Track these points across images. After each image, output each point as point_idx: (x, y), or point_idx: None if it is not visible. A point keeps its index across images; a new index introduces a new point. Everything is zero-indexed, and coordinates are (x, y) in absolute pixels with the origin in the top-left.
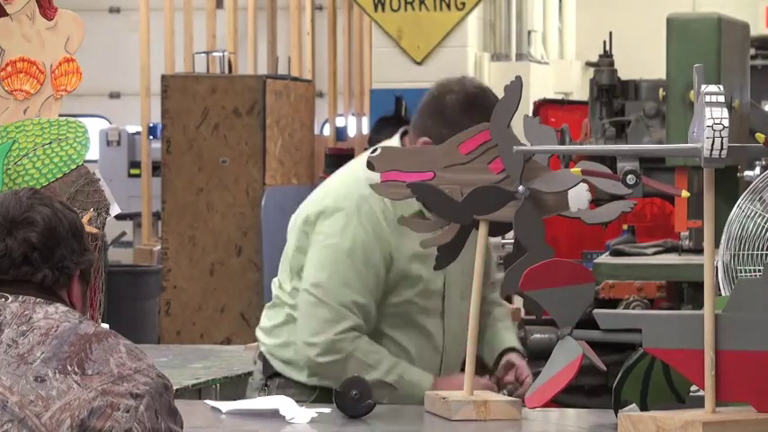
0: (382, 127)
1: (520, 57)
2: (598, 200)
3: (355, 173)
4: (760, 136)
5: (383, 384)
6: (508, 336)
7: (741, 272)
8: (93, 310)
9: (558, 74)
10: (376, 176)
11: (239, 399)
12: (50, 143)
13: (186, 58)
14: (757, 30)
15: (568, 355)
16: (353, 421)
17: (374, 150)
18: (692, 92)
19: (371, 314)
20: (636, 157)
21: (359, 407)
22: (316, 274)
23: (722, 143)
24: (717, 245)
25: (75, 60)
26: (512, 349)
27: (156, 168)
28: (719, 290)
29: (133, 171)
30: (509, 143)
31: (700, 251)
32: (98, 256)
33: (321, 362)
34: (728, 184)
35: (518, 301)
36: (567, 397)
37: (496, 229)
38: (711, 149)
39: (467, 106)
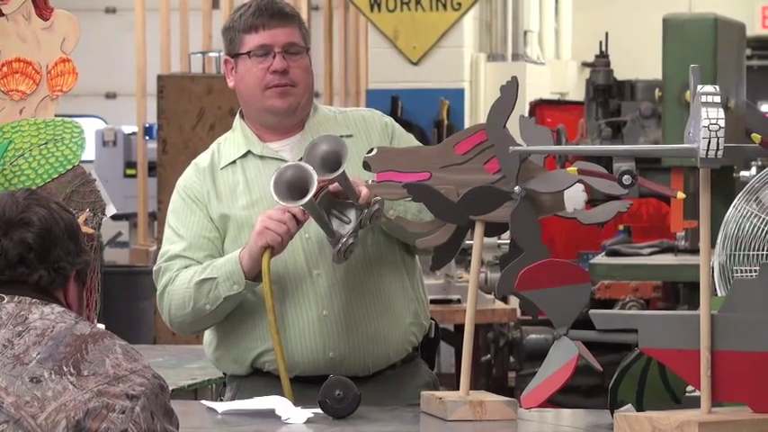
0: None
1: (516, 57)
2: (594, 200)
3: None
4: (756, 136)
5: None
6: None
7: (737, 272)
8: (89, 311)
9: (554, 74)
10: None
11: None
12: (46, 143)
13: (182, 59)
14: (753, 30)
15: (564, 356)
16: (349, 421)
17: (370, 151)
18: (688, 92)
19: None
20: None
21: (344, 407)
22: None
23: (718, 143)
24: (713, 245)
25: (71, 60)
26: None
27: (151, 169)
28: (715, 290)
29: (129, 171)
30: (505, 143)
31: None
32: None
33: None
34: (724, 185)
35: (514, 302)
36: (564, 397)
37: (493, 229)
38: (707, 150)
39: None
